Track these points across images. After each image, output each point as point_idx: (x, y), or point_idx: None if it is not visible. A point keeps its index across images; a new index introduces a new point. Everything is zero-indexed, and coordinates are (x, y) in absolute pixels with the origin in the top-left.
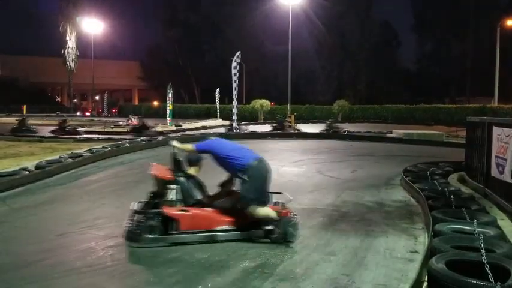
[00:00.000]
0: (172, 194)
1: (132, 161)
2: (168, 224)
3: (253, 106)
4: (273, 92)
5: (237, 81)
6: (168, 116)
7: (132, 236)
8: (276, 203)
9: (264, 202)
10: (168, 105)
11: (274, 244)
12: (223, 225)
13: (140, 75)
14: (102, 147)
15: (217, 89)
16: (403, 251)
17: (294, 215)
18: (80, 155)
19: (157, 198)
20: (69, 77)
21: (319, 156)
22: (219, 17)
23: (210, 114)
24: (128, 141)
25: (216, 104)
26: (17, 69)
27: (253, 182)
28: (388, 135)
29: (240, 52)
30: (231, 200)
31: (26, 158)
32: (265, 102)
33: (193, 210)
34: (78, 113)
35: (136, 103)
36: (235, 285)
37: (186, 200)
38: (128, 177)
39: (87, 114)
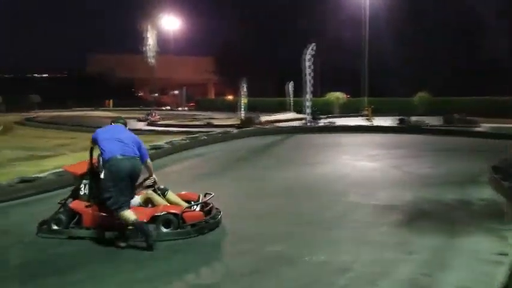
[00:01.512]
0: (84, 189)
1: (208, 153)
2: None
3: (328, 99)
4: (348, 84)
5: (311, 73)
6: (242, 109)
7: (40, 226)
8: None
9: (122, 206)
10: (241, 99)
11: (350, 239)
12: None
13: (215, 70)
14: (181, 139)
15: (291, 81)
16: (490, 253)
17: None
18: (160, 147)
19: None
20: (150, 72)
21: (396, 151)
22: (292, 10)
23: (283, 108)
24: (204, 134)
25: (289, 97)
26: (104, 66)
27: (109, 178)
28: (476, 129)
29: (314, 44)
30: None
31: None
32: (341, 95)
33: (96, 206)
34: (150, 110)
35: (213, 97)
36: (310, 278)
37: (99, 196)
38: (203, 169)
39: (167, 107)
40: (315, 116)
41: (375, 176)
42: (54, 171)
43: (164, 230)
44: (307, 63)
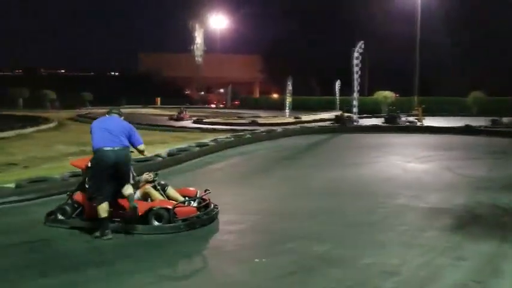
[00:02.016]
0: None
1: (253, 151)
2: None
3: (376, 98)
4: (397, 83)
5: (359, 71)
6: (287, 108)
7: (47, 216)
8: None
9: (99, 199)
10: (287, 97)
11: (397, 242)
12: (114, 216)
13: (261, 69)
14: (226, 137)
15: (338, 80)
16: None
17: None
18: (206, 144)
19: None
20: (197, 71)
21: (448, 153)
22: (340, 7)
23: (329, 107)
24: (248, 132)
25: (336, 95)
26: (153, 65)
27: (94, 168)
28: None
29: (362, 42)
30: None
31: (159, 146)
32: (389, 94)
33: None
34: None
35: (258, 96)
36: (356, 280)
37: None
38: (248, 167)
39: (212, 106)
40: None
41: (425, 178)
42: None
43: (156, 223)
44: (355, 62)
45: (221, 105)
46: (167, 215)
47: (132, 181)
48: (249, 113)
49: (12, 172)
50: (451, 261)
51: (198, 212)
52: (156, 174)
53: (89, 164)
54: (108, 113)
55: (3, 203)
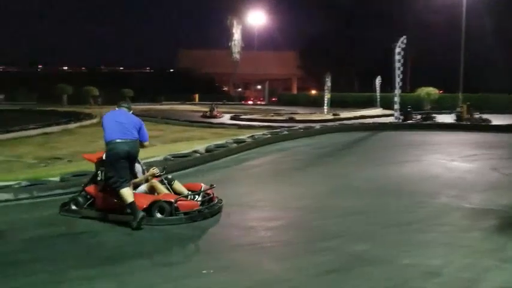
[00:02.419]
0: (100, 175)
1: (290, 148)
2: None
3: (419, 94)
4: (441, 79)
5: (401, 67)
6: (325, 105)
7: (62, 206)
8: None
9: (121, 183)
10: (325, 94)
11: (439, 243)
12: (121, 207)
13: (299, 65)
14: (263, 134)
15: (378, 76)
16: None
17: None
18: (243, 141)
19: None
20: (234, 67)
21: (495, 152)
22: (380, 1)
23: (369, 103)
24: (286, 129)
25: (376, 92)
26: (191, 62)
27: (108, 159)
28: None
29: (405, 37)
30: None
31: (197, 142)
32: (433, 90)
33: (107, 191)
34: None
35: (295, 92)
36: (396, 280)
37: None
38: (286, 164)
39: (249, 102)
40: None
41: (469, 178)
42: (144, 161)
43: (159, 215)
44: (397, 57)
45: (258, 102)
46: (169, 208)
47: (141, 174)
48: (287, 110)
49: (57, 166)
50: (496, 263)
51: (200, 206)
52: (164, 169)
53: (103, 157)
54: (118, 106)
55: (49, 195)
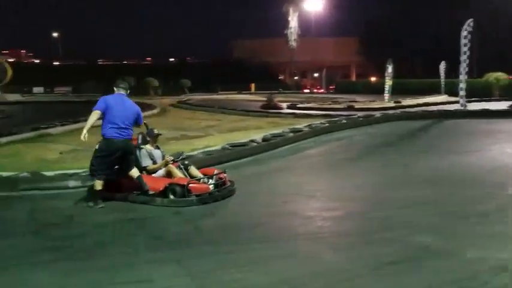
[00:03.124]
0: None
1: (349, 137)
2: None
3: (487, 80)
4: (511, 64)
5: (467, 52)
6: (386, 92)
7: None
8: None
9: (99, 174)
10: (386, 80)
11: (507, 236)
12: (138, 190)
13: (358, 51)
14: (320, 123)
15: (443, 61)
16: None
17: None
18: (300, 130)
19: None
20: (291, 55)
21: None
22: None
23: (433, 90)
24: (344, 117)
25: (440, 78)
26: (247, 51)
27: (100, 150)
28: None
29: (471, 20)
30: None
31: (254, 131)
32: (502, 76)
33: (129, 175)
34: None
35: (355, 79)
36: (460, 274)
37: (136, 166)
38: (344, 154)
39: (306, 91)
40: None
41: None
42: (203, 150)
43: (171, 197)
44: (463, 41)
45: (315, 90)
46: (182, 190)
47: (160, 160)
48: (345, 98)
49: None
50: None
51: (211, 189)
52: (181, 154)
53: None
54: (116, 88)
55: None
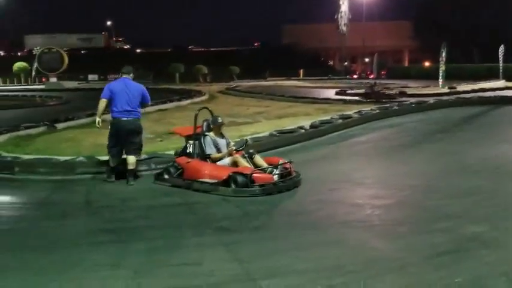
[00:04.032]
0: (189, 148)
1: (401, 124)
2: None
3: None
4: None
5: None
6: (440, 77)
7: (156, 175)
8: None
9: (113, 154)
10: (440, 65)
11: None
12: (204, 178)
13: (411, 35)
14: (371, 109)
15: (501, 45)
16: None
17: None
18: (349, 117)
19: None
20: (341, 40)
21: None
22: None
23: (490, 75)
24: (396, 104)
25: (498, 63)
26: (296, 37)
27: (110, 130)
28: None
29: None
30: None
31: (302, 118)
32: None
33: (194, 162)
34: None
35: (407, 64)
36: (504, 264)
37: (200, 154)
38: (395, 141)
39: (354, 76)
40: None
41: None
42: (251, 136)
43: (233, 186)
44: None
45: (365, 76)
46: (245, 180)
47: (225, 149)
48: (397, 84)
49: (172, 140)
50: None
51: (276, 179)
52: (244, 142)
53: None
54: (121, 73)
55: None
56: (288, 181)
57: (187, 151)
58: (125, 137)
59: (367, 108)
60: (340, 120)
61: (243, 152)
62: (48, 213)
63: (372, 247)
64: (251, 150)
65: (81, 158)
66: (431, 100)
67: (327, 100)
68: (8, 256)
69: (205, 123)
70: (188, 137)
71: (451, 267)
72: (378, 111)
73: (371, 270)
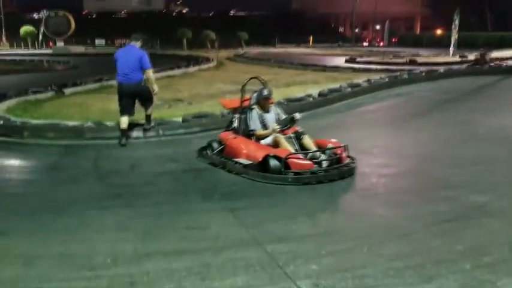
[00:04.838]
0: (235, 123)
1: (410, 93)
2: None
3: None
4: None
5: None
6: (452, 45)
7: (199, 151)
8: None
9: (122, 112)
10: (452, 33)
11: None
12: (242, 157)
13: (423, 2)
14: (380, 78)
15: None
16: None
17: None
18: (358, 85)
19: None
20: (352, 6)
21: None
22: None
23: (503, 44)
24: (406, 72)
25: None
26: (305, 2)
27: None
28: None
29: None
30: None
31: (310, 86)
32: None
33: (234, 139)
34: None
35: (418, 32)
36: (508, 233)
37: (244, 130)
38: (404, 110)
39: (365, 44)
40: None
41: None
42: None
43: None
44: None
45: (376, 43)
46: (278, 165)
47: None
48: (408, 52)
49: (179, 107)
50: None
51: (319, 167)
52: (290, 120)
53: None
54: (130, 39)
55: (173, 134)
56: (333, 170)
57: (233, 126)
58: (128, 99)
59: (376, 76)
60: (349, 89)
61: (290, 133)
62: (57, 177)
63: (376, 214)
64: (300, 129)
65: (89, 124)
66: (442, 69)
67: (336, 68)
68: (18, 219)
69: (254, 95)
70: (234, 110)
71: (454, 235)
72: (387, 79)
73: (375, 236)
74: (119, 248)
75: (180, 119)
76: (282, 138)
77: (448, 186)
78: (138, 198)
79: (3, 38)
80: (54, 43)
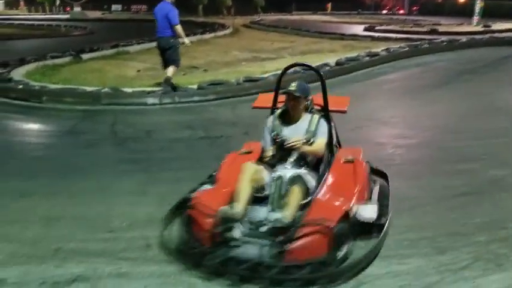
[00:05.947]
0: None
1: (430, 63)
2: None
3: None
4: None
5: None
6: (476, 14)
7: None
8: None
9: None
10: (477, 1)
11: None
12: None
13: None
14: (399, 47)
15: None
16: None
17: None
18: (376, 54)
19: None
20: None
21: None
22: None
23: None
24: (427, 42)
25: None
26: None
27: None
28: None
29: None
30: None
31: (327, 55)
32: None
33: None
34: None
35: (440, 0)
36: None
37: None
38: (423, 80)
39: (384, 12)
40: None
41: None
42: (274, 72)
43: None
44: None
45: (396, 11)
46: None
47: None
48: (429, 20)
49: (195, 75)
50: None
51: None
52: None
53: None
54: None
55: (189, 101)
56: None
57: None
58: (162, 53)
59: (395, 45)
60: (367, 58)
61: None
62: (76, 141)
63: (391, 185)
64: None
65: (106, 89)
66: (463, 39)
67: (354, 36)
68: (39, 181)
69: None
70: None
71: (468, 209)
72: (407, 49)
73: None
74: (138, 211)
75: (195, 86)
76: (248, 171)
77: (464, 159)
78: (154, 163)
79: (22, 3)
80: (71, 8)
